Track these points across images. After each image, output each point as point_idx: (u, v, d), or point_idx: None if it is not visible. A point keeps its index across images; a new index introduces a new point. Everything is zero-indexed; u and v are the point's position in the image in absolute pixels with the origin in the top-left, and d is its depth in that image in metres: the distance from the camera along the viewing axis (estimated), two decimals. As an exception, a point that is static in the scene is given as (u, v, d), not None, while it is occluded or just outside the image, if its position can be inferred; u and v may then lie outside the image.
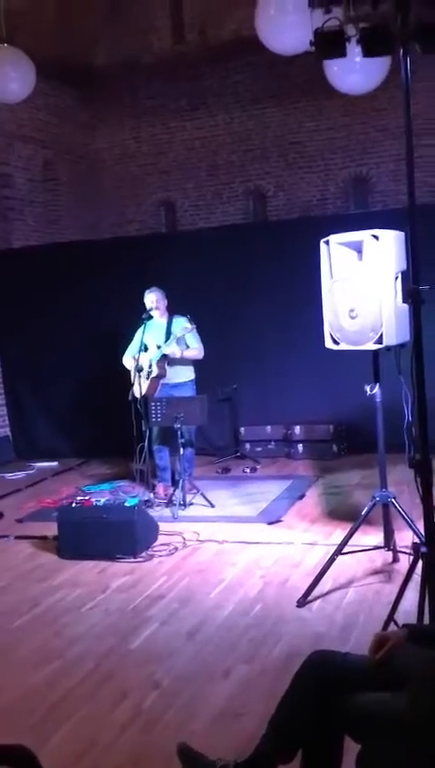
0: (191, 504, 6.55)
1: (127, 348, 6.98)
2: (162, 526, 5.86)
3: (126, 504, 5.61)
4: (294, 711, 2.42)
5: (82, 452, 8.87)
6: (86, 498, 5.95)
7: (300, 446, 8.20)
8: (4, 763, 2.10)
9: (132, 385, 6.79)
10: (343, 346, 4.47)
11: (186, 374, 6.98)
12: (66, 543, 5.56)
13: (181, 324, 6.77)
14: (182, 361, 6.90)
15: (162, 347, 6.77)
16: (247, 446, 8.37)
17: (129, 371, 6.89)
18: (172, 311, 6.98)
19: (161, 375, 6.83)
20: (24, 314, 9.02)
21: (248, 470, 7.81)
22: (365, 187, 10.46)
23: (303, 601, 4.39)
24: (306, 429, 8.18)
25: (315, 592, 4.46)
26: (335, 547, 4.74)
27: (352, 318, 4.33)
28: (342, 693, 2.28)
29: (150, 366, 6.80)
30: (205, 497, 6.55)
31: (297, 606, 4.37)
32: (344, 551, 4.64)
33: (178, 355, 6.78)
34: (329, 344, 4.54)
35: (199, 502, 6.56)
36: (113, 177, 11.26)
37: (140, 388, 6.73)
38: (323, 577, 4.53)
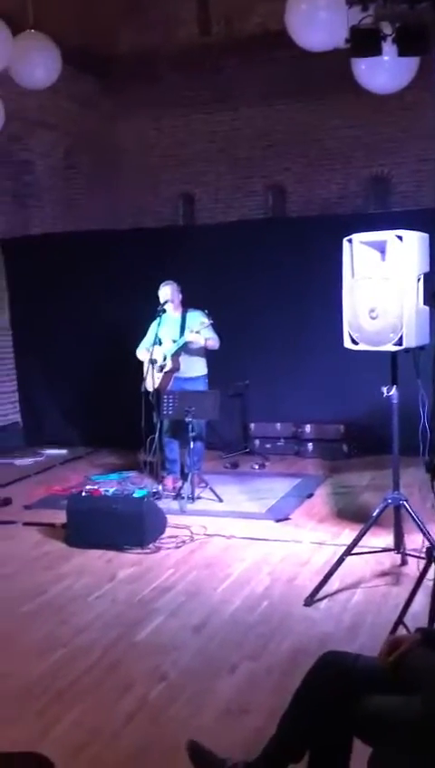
0: (199, 497, 6.55)
1: (141, 340, 6.98)
2: (170, 519, 5.86)
3: (135, 496, 5.61)
4: (304, 711, 2.41)
5: (91, 441, 8.88)
6: (95, 488, 5.95)
7: (310, 445, 8.18)
8: None
9: (145, 377, 6.78)
10: (362, 346, 4.44)
11: (199, 368, 6.97)
12: (74, 532, 5.57)
13: (198, 318, 6.75)
14: (197, 355, 6.89)
15: (181, 338, 6.75)
16: (257, 442, 8.35)
17: (141, 363, 6.89)
18: (187, 304, 6.96)
19: (175, 369, 6.82)
20: (39, 301, 9.04)
21: (257, 466, 7.80)
22: (386, 187, 10.41)
23: (310, 600, 4.39)
24: (317, 428, 8.16)
25: (323, 592, 4.45)
26: (343, 547, 4.74)
27: (373, 318, 4.31)
28: (353, 694, 2.26)
29: (165, 359, 6.79)
30: (213, 491, 6.55)
31: (304, 605, 4.37)
32: (353, 551, 4.62)
33: (201, 343, 6.77)
34: (348, 344, 4.52)
35: (208, 496, 6.56)
36: (133, 167, 11.22)
37: (152, 381, 6.72)
38: (331, 577, 4.52)
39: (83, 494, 5.75)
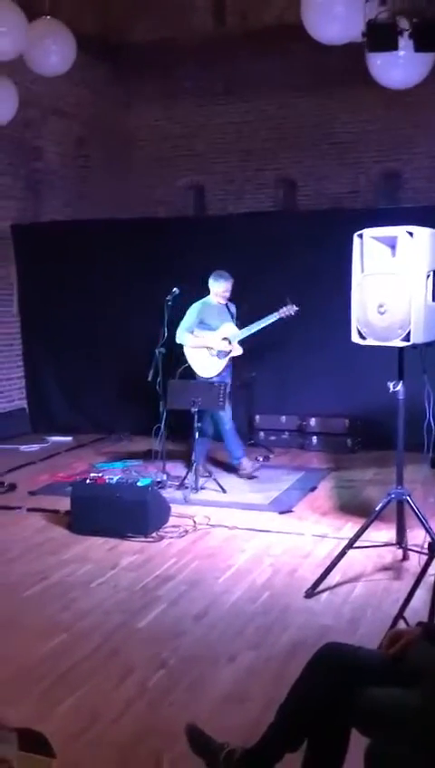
0: (203, 488, 6.57)
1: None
2: (174, 508, 5.88)
3: (139, 484, 5.63)
4: (303, 700, 2.44)
5: (97, 429, 8.91)
6: (99, 475, 5.98)
7: (314, 438, 8.20)
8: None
9: (184, 364, 6.90)
10: (370, 341, 4.45)
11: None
12: (78, 519, 5.60)
13: (234, 310, 6.98)
14: None
15: (246, 329, 6.87)
16: (262, 434, 8.37)
17: (174, 349, 6.92)
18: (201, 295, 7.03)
19: (241, 354, 6.96)
20: (47, 288, 9.06)
21: (261, 458, 7.81)
22: (396, 183, 10.38)
23: (311, 592, 4.41)
24: (322, 422, 8.18)
25: (324, 584, 4.47)
26: (345, 540, 4.75)
27: (381, 314, 4.31)
28: (352, 686, 2.28)
29: (230, 344, 6.90)
30: (217, 482, 6.58)
31: (305, 596, 4.39)
32: (355, 545, 4.64)
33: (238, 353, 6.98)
34: (355, 338, 4.52)
35: (211, 487, 6.58)
36: (144, 156, 11.21)
37: (206, 367, 6.86)
38: (333, 570, 4.54)
39: (87, 481, 5.78)
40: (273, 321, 6.85)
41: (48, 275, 9.03)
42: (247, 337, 6.91)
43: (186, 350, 6.95)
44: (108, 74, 10.68)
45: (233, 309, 7.03)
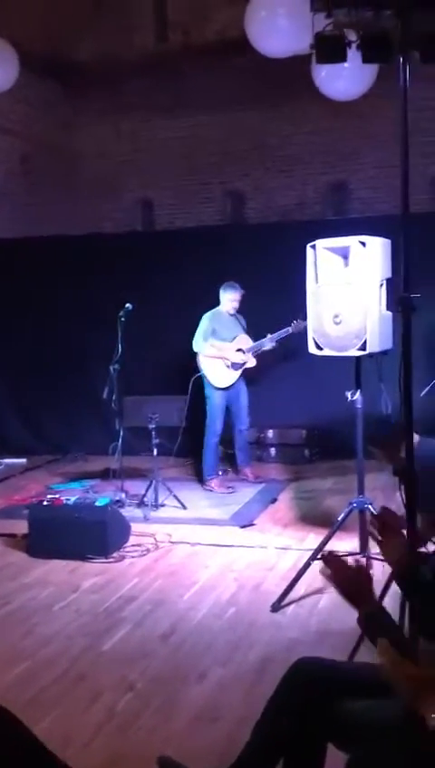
0: (163, 505, 6.50)
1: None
2: (134, 527, 5.80)
3: (97, 504, 5.55)
4: (278, 717, 2.40)
5: (51, 449, 8.77)
6: (56, 497, 5.87)
7: (272, 450, 8.20)
8: None
9: (199, 372, 7.01)
10: (327, 351, 4.47)
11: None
12: (36, 542, 5.48)
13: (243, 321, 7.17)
14: None
15: (264, 340, 7.03)
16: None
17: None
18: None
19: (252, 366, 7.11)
20: (-4, 307, 8.91)
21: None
22: (343, 194, 10.50)
23: (277, 606, 4.38)
24: (279, 433, 8.19)
25: (289, 598, 4.45)
26: (309, 552, 4.74)
27: (337, 324, 4.34)
28: (328, 700, 2.26)
29: (244, 355, 7.04)
30: (177, 498, 6.52)
31: (271, 610, 4.36)
32: (319, 556, 4.63)
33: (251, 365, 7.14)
34: (312, 349, 4.54)
35: (171, 503, 6.52)
36: (91, 172, 11.16)
37: (220, 377, 7.03)
38: (298, 582, 4.52)
39: (45, 503, 5.67)
40: (285, 335, 6.96)
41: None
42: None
43: (200, 360, 7.07)
44: (54, 92, 10.64)
45: (243, 321, 7.19)
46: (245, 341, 7.10)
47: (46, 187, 10.68)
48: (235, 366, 7.05)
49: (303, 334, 5.00)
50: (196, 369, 7.08)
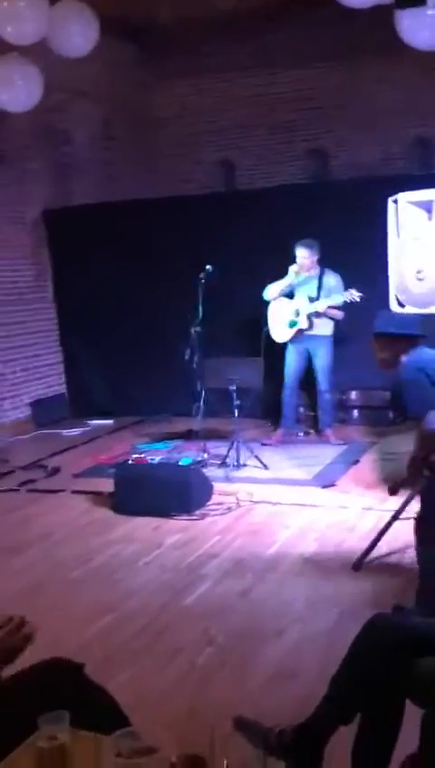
0: (245, 465, 6.54)
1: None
2: (216, 486, 5.87)
3: (181, 463, 5.63)
4: (355, 674, 2.40)
5: (137, 411, 8.90)
6: (141, 456, 5.98)
7: (355, 412, 8.11)
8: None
9: (266, 331, 7.05)
10: (409, 309, 4.38)
11: (326, 328, 7.09)
12: (122, 499, 5.61)
13: (338, 288, 6.91)
14: (324, 315, 7.00)
15: (320, 300, 6.89)
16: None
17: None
18: (322, 264, 7.08)
19: (307, 328, 6.98)
20: (81, 272, 9.05)
21: (302, 434, 7.75)
22: (429, 149, 10.17)
23: (358, 564, 4.37)
24: (362, 395, 8.09)
25: (370, 557, 4.42)
26: (390, 512, 4.68)
27: (420, 280, 4.23)
28: (408, 657, 2.24)
29: (298, 315, 6.94)
30: (259, 459, 6.54)
31: (353, 569, 4.35)
32: (401, 516, 4.57)
33: (338, 317, 6.99)
34: (394, 306, 4.45)
35: (253, 464, 6.55)
36: (172, 135, 11.12)
37: (278, 332, 7.00)
38: (379, 541, 4.49)
39: (130, 462, 5.79)
40: (338, 303, 6.83)
41: (81, 259, 9.02)
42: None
43: (269, 310, 7.10)
44: (133, 54, 10.59)
45: (329, 280, 7.00)
46: (300, 303, 6.96)
47: (128, 152, 10.70)
48: (290, 324, 6.99)
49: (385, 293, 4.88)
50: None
